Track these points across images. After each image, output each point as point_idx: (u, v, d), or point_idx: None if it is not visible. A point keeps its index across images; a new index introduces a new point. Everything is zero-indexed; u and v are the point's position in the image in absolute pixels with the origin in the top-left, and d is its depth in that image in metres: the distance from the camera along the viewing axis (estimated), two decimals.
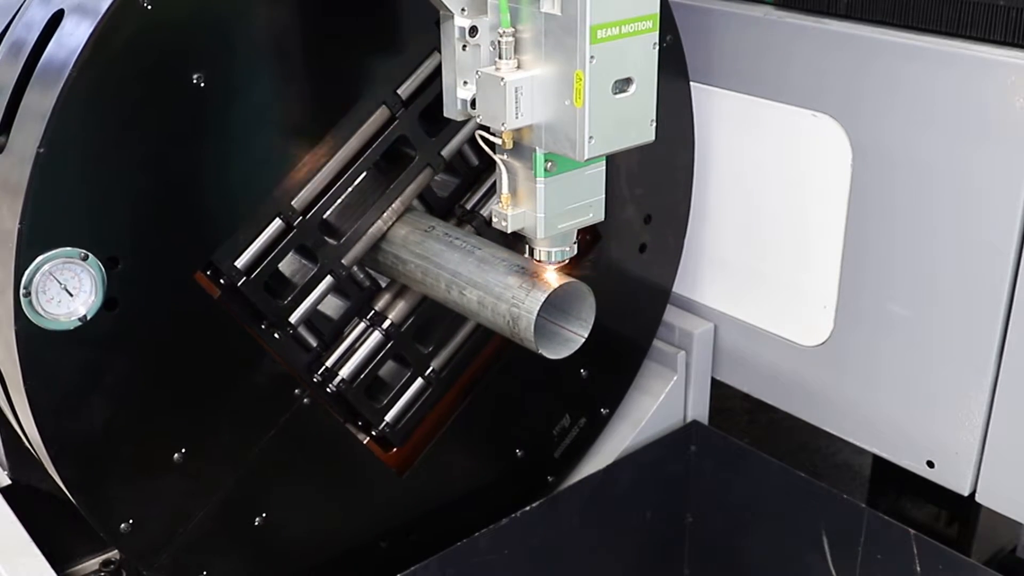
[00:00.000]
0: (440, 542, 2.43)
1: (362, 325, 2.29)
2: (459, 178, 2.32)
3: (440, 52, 1.92)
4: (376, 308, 2.29)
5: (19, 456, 2.42)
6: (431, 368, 2.36)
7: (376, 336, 2.29)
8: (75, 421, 1.90)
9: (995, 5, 2.13)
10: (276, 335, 2.16)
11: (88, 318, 1.84)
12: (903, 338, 2.40)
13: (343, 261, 2.18)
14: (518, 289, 1.98)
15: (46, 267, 1.78)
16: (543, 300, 1.95)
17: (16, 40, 1.97)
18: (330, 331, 2.26)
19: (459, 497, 2.52)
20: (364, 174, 2.16)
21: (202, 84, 1.86)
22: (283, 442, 2.18)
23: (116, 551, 2.40)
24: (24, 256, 1.77)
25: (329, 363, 2.26)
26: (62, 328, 1.83)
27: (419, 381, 2.36)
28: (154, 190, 1.89)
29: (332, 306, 2.30)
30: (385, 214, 2.19)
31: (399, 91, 2.12)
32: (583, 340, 2.04)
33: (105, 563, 2.42)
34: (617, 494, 2.70)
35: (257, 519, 2.17)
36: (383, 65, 2.10)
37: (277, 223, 2.08)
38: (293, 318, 2.16)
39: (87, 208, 1.82)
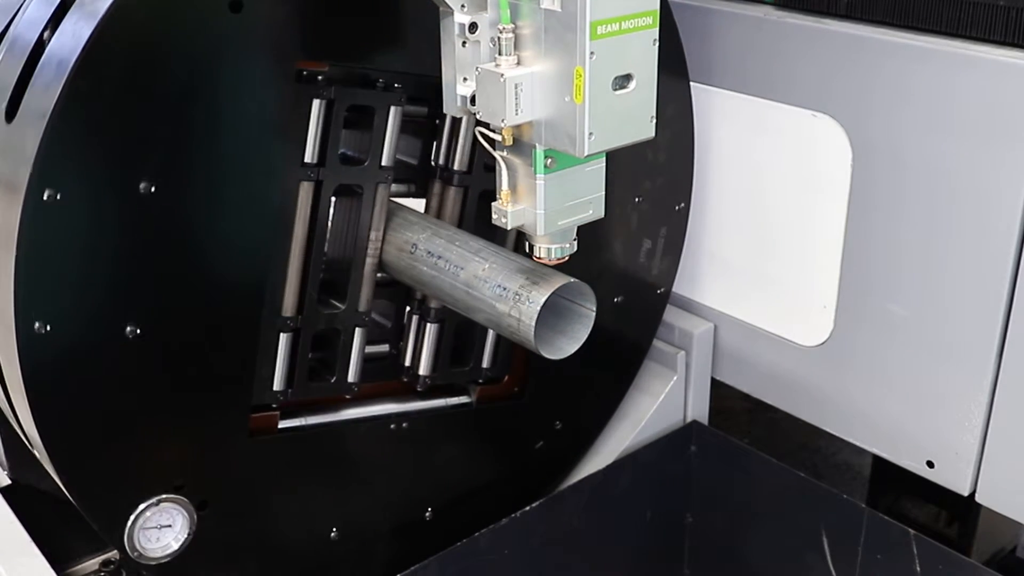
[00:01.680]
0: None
1: (415, 318, 2.37)
2: (420, 137, 2.30)
3: None
4: (418, 297, 2.36)
5: (19, 456, 2.42)
6: None
7: (433, 327, 2.35)
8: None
9: (995, 5, 2.13)
10: (349, 394, 2.27)
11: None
12: (903, 338, 2.39)
13: (360, 311, 2.23)
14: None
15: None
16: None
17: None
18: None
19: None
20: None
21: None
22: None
23: (116, 551, 2.40)
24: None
25: (408, 363, 2.36)
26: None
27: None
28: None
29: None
30: (370, 249, 2.20)
31: (306, 159, 2.07)
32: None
33: (105, 563, 2.42)
34: (617, 494, 2.70)
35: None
36: (279, 145, 2.03)
37: (284, 338, 2.14)
38: (351, 377, 2.26)
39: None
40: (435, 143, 2.29)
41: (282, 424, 2.22)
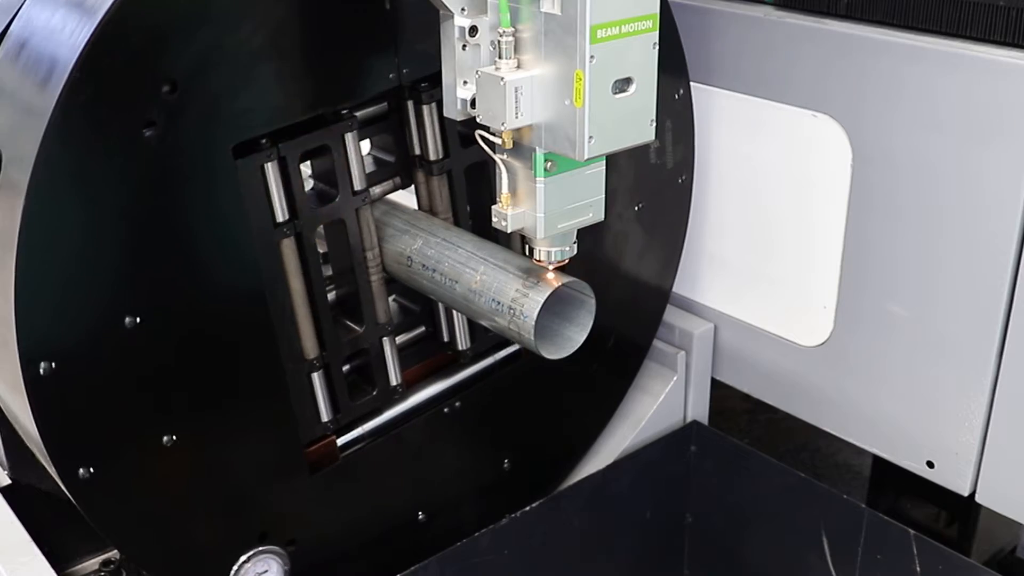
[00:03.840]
0: None
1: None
2: (390, 132, 2.28)
3: None
4: None
5: (19, 456, 2.42)
6: None
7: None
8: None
9: (995, 5, 2.12)
10: (396, 395, 2.33)
11: None
12: (903, 338, 2.40)
13: (380, 323, 2.25)
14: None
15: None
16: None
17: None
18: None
19: None
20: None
21: None
22: None
23: (116, 551, 2.40)
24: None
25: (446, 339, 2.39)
26: None
27: None
28: None
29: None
30: (371, 267, 2.21)
31: (277, 219, 2.05)
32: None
33: (105, 563, 2.42)
34: (617, 494, 2.70)
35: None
36: (245, 220, 2.02)
37: (317, 377, 2.17)
38: (393, 382, 2.29)
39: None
40: (406, 133, 2.26)
41: (341, 441, 2.29)
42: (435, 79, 2.12)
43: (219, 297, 2.00)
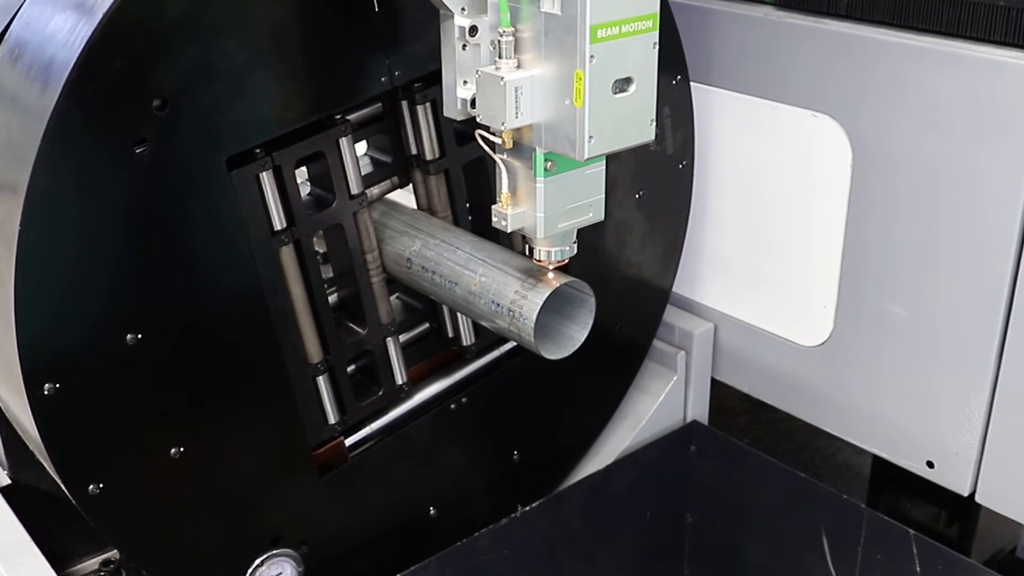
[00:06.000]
0: None
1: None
2: (386, 133, 2.27)
3: None
4: None
5: (19, 456, 2.42)
6: None
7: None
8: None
9: (995, 5, 2.12)
10: (402, 394, 2.33)
11: None
12: (903, 338, 2.40)
13: (383, 324, 2.25)
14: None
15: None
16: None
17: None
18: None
19: None
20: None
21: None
22: None
23: (116, 551, 2.40)
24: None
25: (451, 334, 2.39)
26: None
27: None
28: None
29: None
30: (371, 269, 2.21)
31: (274, 227, 2.05)
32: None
33: (105, 563, 2.42)
34: (617, 494, 2.70)
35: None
36: (243, 229, 2.02)
37: (322, 380, 2.20)
38: (399, 380, 2.30)
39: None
40: (402, 133, 2.25)
41: (349, 441, 2.30)
42: (428, 79, 2.12)
43: (220, 305, 2.00)
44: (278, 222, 2.04)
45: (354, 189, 2.14)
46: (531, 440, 2.61)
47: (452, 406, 2.42)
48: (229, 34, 1.88)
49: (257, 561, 2.17)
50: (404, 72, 2.12)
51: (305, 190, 2.17)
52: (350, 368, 2.27)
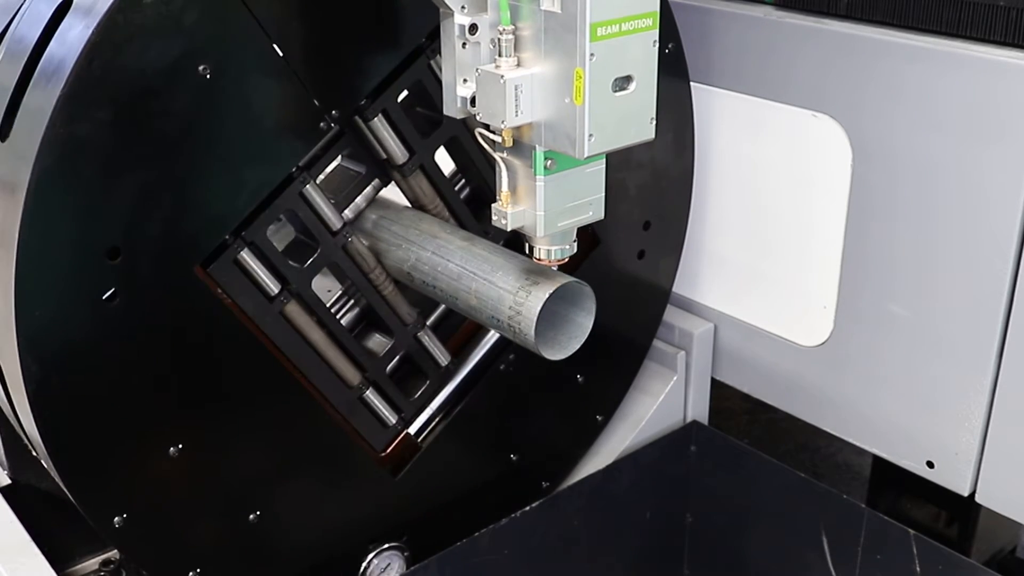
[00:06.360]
0: None
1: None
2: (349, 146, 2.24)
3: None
4: None
5: (19, 456, 2.42)
6: None
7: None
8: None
9: (995, 5, 2.13)
10: (449, 374, 2.40)
11: None
12: (903, 338, 2.39)
13: (407, 325, 2.28)
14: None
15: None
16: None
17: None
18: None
19: None
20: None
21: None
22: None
23: (116, 551, 2.40)
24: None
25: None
26: None
27: None
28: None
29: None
30: (378, 284, 2.22)
31: (270, 293, 2.07)
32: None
33: (105, 563, 2.42)
34: (617, 494, 2.70)
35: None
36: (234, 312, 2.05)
37: (370, 393, 2.27)
38: (443, 362, 2.36)
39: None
40: (366, 145, 2.20)
41: (413, 429, 2.38)
42: (372, 95, 2.09)
43: (249, 372, 2.07)
44: (272, 288, 2.06)
45: (335, 225, 2.13)
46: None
47: (501, 367, 2.46)
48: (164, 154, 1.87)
49: (370, 555, 2.35)
50: (341, 107, 2.06)
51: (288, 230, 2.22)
52: (392, 365, 2.31)
